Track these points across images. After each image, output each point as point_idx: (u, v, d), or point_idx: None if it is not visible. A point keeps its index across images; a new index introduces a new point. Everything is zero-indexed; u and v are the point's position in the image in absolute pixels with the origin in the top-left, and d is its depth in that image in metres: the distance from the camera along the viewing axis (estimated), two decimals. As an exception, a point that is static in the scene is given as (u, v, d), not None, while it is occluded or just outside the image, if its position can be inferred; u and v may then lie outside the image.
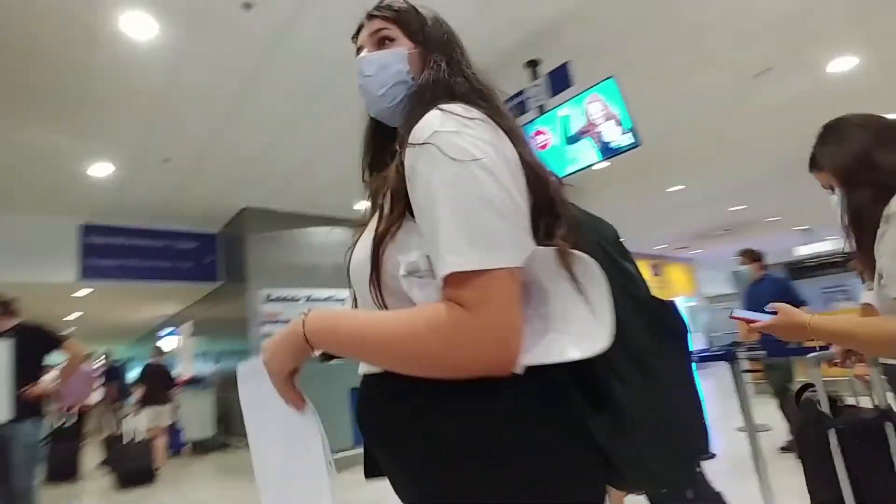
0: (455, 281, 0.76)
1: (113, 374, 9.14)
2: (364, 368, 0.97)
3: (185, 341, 10.77)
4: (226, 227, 8.57)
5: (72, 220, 7.50)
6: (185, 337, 10.77)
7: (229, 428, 8.27)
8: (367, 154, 1.16)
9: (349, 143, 5.03)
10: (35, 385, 3.61)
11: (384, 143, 1.07)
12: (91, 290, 8.52)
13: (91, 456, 7.89)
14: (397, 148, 0.90)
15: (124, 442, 6.85)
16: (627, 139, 4.13)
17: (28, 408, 3.57)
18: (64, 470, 7.10)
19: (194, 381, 8.85)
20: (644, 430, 0.80)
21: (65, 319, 11.16)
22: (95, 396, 9.20)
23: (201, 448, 7.95)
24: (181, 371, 10.54)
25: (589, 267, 0.79)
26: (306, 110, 5.23)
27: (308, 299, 8.08)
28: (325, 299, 8.27)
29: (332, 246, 8.56)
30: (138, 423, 8.00)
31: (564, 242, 0.81)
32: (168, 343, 11.89)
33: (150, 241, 8.12)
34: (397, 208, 0.88)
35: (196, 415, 8.04)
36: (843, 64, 5.24)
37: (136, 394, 7.25)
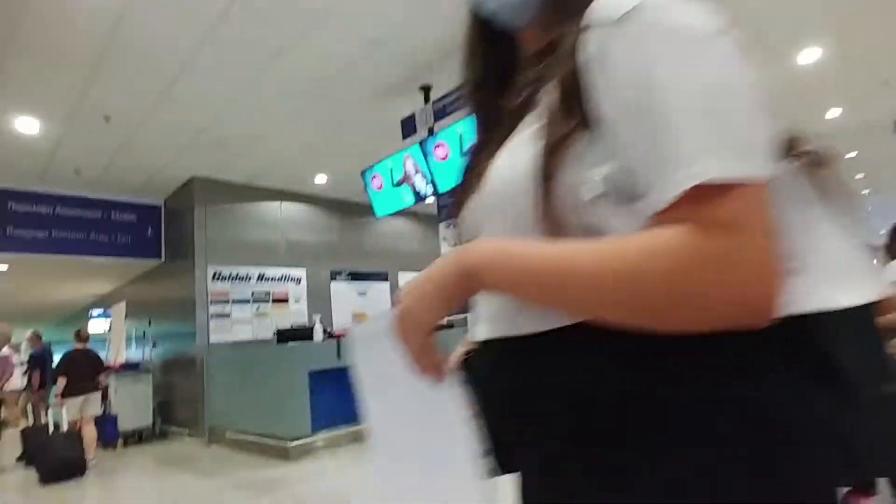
0: (700, 196, 0.51)
1: (37, 359, 8.27)
2: (504, 329, 0.70)
3: (118, 323, 9.91)
4: (171, 199, 7.91)
5: (-10, 185, 6.68)
6: (118, 318, 9.91)
7: (169, 416, 7.70)
8: (473, 63, 0.88)
9: (308, 112, 4.75)
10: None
11: (497, 50, 0.82)
12: (5, 265, 7.67)
13: (8, 449, 7.12)
14: (560, 34, 0.65)
15: (49, 433, 6.21)
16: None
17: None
18: None
19: (129, 367, 8.12)
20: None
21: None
22: (16, 383, 8.33)
23: (138, 437, 7.34)
24: (114, 355, 9.73)
25: (847, 189, 0.58)
26: (263, 73, 4.82)
27: (260, 278, 7.61)
28: (280, 278, 7.81)
29: (285, 222, 8.10)
30: (63, 413, 7.27)
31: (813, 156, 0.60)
32: (98, 325, 10.95)
33: (84, 210, 7.37)
34: (575, 110, 0.62)
35: (132, 402, 7.38)
36: (809, 55, 5.35)
37: (59, 383, 6.56)
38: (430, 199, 5.58)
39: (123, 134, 5.77)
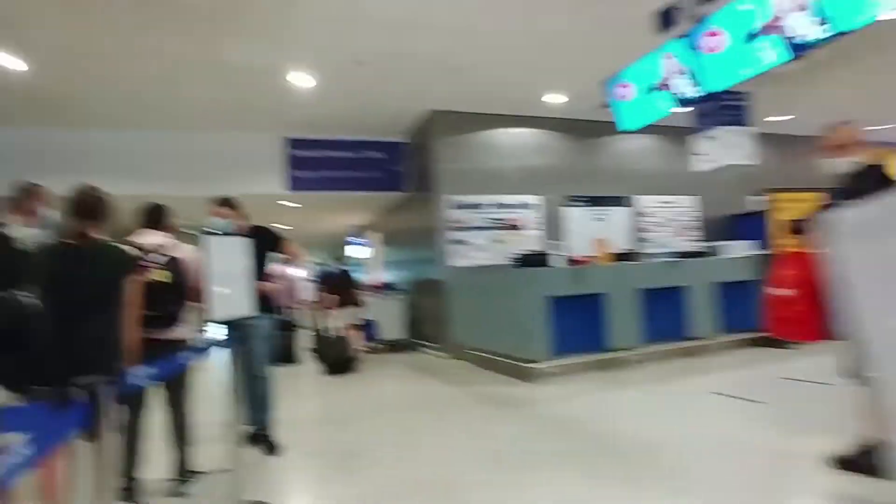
0: None
1: (326, 277, 10.14)
2: None
3: (374, 249, 11.38)
4: (412, 135, 8.46)
5: (276, 135, 7.97)
6: (373, 245, 11.37)
7: (419, 332, 8.60)
8: None
9: (533, 34, 4.11)
10: (265, 282, 3.74)
11: None
12: (298, 205, 9.20)
13: (302, 346, 8.92)
14: None
15: (327, 335, 7.80)
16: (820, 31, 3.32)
17: (264, 304, 3.72)
18: (286, 355, 8.27)
19: (385, 287, 9.31)
20: None
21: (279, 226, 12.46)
22: (308, 296, 10.23)
23: (394, 347, 8.46)
24: (372, 277, 11.20)
25: None
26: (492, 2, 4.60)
27: (496, 205, 7.74)
28: (515, 206, 7.86)
29: (519, 149, 8.00)
30: (336, 321, 8.76)
31: None
32: (357, 251, 12.74)
33: (344, 152, 8.36)
34: None
35: (388, 317, 8.50)
36: None
37: (330, 297, 8.19)
38: (687, 108, 4.79)
39: (372, 76, 6.20)
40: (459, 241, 7.50)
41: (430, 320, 8.22)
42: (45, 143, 6.94)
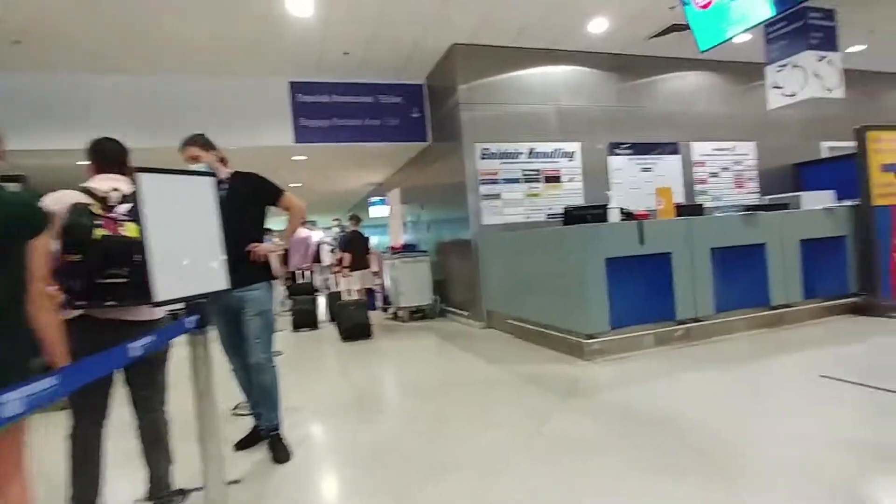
0: None
1: (341, 240, 9.44)
2: None
3: (394, 208, 10.44)
4: (432, 75, 7.43)
5: (281, 79, 7.02)
6: (394, 203, 10.43)
7: (447, 297, 7.79)
8: None
9: None
10: (258, 245, 2.91)
11: None
12: (304, 156, 8.30)
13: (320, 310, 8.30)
14: None
15: (342, 300, 7.34)
16: None
17: (256, 272, 2.90)
18: (305, 319, 7.79)
19: (408, 248, 8.44)
20: None
21: (290, 185, 11.57)
22: (326, 259, 9.49)
23: (421, 314, 7.66)
24: (393, 238, 10.36)
25: None
26: None
27: (530, 154, 6.76)
28: (551, 154, 6.87)
29: (556, 88, 6.95)
30: (350, 284, 8.10)
31: None
32: (378, 211, 11.85)
33: (356, 97, 7.38)
34: None
35: (413, 281, 7.63)
36: None
37: (345, 259, 7.88)
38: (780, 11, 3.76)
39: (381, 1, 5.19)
40: (491, 196, 6.57)
41: (459, 285, 7.38)
42: (15, 86, 6.08)
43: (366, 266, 8.41)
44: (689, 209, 5.23)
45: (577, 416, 3.17)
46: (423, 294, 7.71)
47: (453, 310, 7.51)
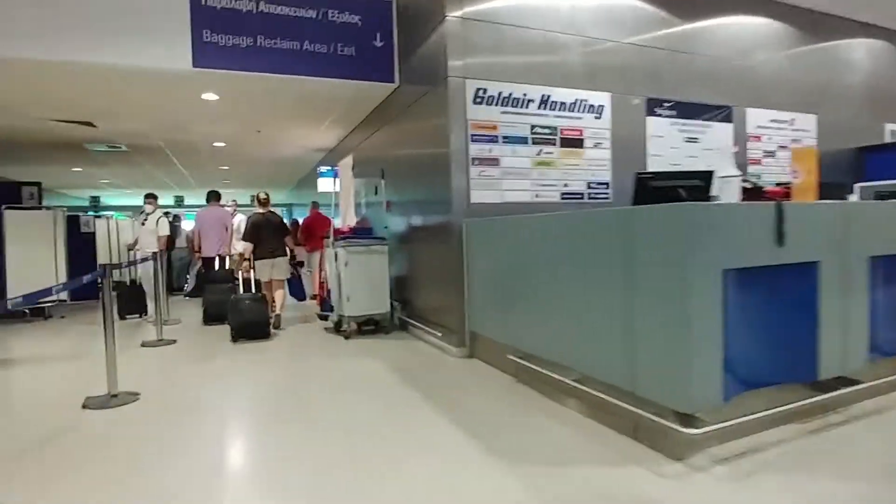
0: None
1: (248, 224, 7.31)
2: None
3: (345, 180, 8.05)
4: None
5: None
6: (344, 174, 8.03)
7: (412, 306, 5.62)
8: None
9: None
10: None
11: None
12: (215, 95, 5.92)
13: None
14: None
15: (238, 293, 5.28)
16: None
17: None
18: (217, 312, 6.31)
19: (360, 234, 6.17)
20: None
21: (214, 145, 9.08)
22: (238, 247, 7.25)
23: (373, 325, 5.50)
24: (341, 219, 8.04)
25: None
26: None
27: (544, 103, 4.65)
28: (572, 106, 4.77)
29: (580, 12, 4.84)
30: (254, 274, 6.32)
31: None
32: (326, 184, 9.46)
33: (293, 7, 5.08)
34: None
35: (364, 279, 5.39)
36: None
37: (246, 248, 6.24)
38: None
39: None
40: (485, 162, 4.43)
41: (430, 289, 5.22)
42: None
43: (277, 254, 6.27)
44: (832, 189, 3.20)
45: None
46: (378, 298, 5.51)
47: (418, 324, 5.35)
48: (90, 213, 13.21)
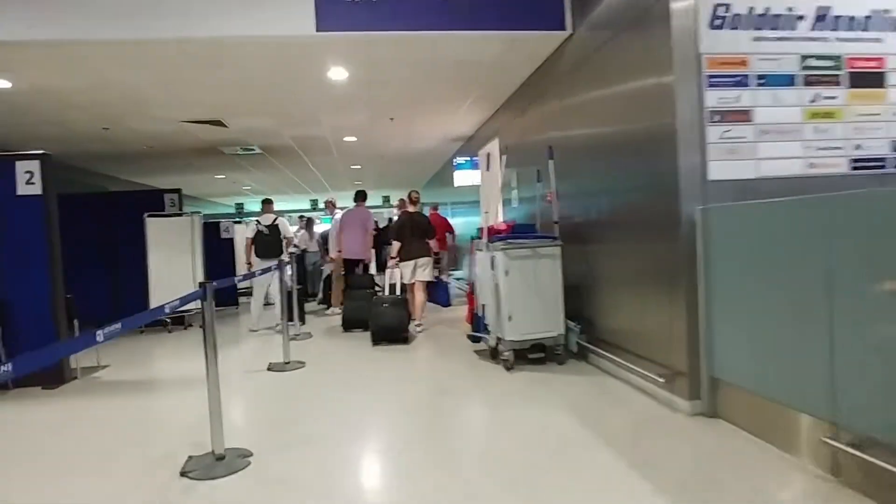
0: None
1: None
2: None
3: (492, 169, 6.75)
4: None
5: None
6: (492, 162, 6.74)
7: (598, 329, 4.20)
8: None
9: None
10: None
11: None
12: (344, 75, 4.99)
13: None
14: None
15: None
16: None
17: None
18: (357, 318, 6.24)
19: (521, 232, 4.74)
20: None
21: (345, 140, 8.36)
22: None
23: (540, 350, 4.17)
24: (491, 217, 6.77)
25: None
26: None
27: (819, 20, 2.98)
28: (865, 23, 3.05)
29: None
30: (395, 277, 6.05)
31: None
32: (465, 177, 8.30)
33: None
34: None
35: (524, 292, 4.05)
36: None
37: (393, 248, 6.00)
38: None
39: None
40: (730, 116, 2.89)
41: (630, 307, 3.75)
42: None
43: (422, 254, 6.02)
44: None
45: None
46: (549, 317, 4.16)
47: (606, 352, 3.90)
48: (236, 219, 13.48)
